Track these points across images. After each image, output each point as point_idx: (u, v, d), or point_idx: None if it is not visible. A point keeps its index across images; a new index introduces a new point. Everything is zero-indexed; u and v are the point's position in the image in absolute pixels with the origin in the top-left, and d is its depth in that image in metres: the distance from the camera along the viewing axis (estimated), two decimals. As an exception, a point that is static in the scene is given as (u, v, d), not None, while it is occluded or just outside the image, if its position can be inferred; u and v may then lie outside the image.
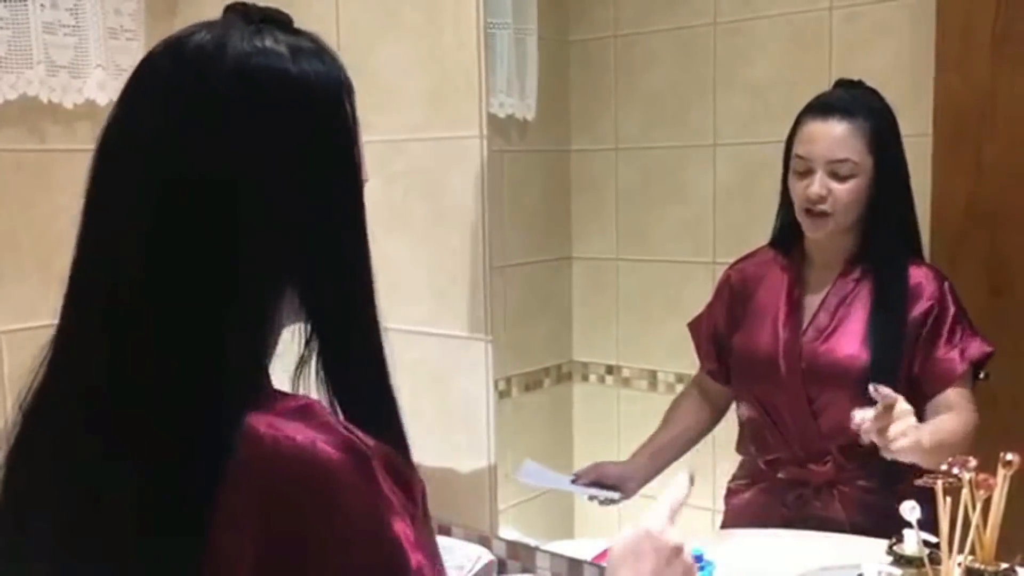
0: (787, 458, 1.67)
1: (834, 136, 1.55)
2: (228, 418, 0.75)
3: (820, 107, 1.57)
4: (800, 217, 1.60)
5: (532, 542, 1.78)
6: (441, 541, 1.74)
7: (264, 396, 0.80)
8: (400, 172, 1.92)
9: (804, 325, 1.64)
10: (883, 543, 1.39)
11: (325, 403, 0.83)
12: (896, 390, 1.47)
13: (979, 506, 1.20)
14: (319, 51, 0.86)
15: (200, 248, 0.78)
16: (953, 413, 1.53)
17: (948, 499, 1.20)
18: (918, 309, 1.54)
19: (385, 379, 0.88)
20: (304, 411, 0.79)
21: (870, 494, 1.57)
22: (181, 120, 0.79)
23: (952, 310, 1.53)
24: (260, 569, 0.74)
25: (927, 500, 1.26)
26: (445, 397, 1.89)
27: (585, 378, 2.04)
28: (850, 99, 1.56)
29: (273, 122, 0.80)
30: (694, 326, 1.81)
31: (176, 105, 0.79)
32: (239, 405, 0.77)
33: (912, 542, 1.28)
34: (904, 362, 1.56)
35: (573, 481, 1.88)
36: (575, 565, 1.70)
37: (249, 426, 0.76)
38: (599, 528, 1.89)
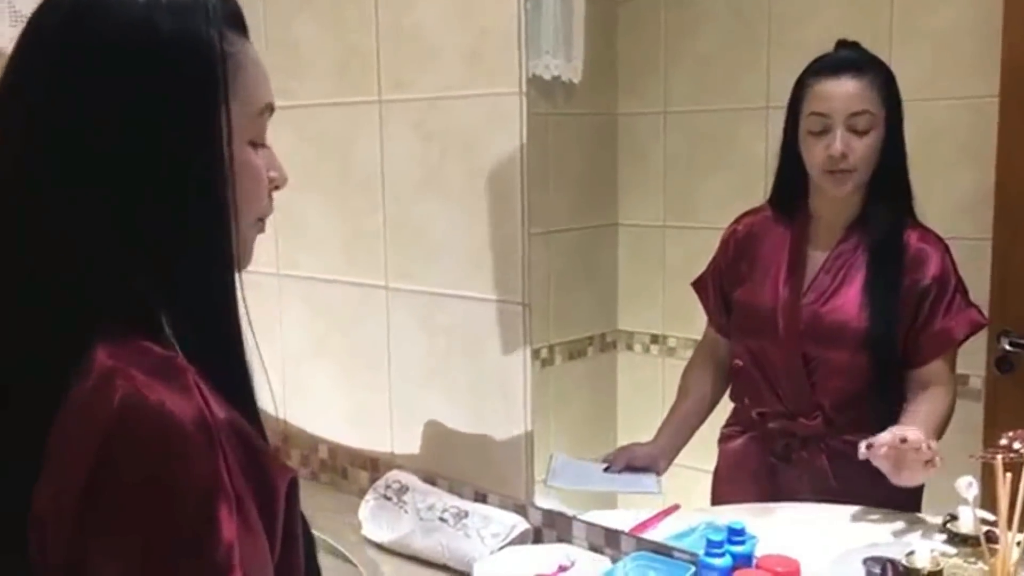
0: (778, 411, 1.71)
1: (851, 90, 1.58)
2: (74, 341, 0.76)
3: (831, 65, 1.60)
4: (821, 179, 1.62)
5: (569, 512, 1.75)
6: (477, 509, 1.76)
7: (121, 334, 0.78)
8: (437, 131, 1.88)
9: (805, 285, 1.66)
10: (934, 519, 1.36)
11: None
12: (895, 356, 1.54)
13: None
14: (189, 7, 0.82)
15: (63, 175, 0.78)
16: (936, 393, 1.56)
17: (1008, 475, 1.14)
18: (922, 278, 1.56)
19: (236, 350, 0.83)
20: (166, 366, 0.76)
21: (856, 448, 1.55)
22: (47, 65, 0.80)
23: (954, 281, 1.55)
24: (80, 518, 0.72)
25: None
26: (480, 363, 1.86)
27: (630, 347, 2.01)
28: (857, 57, 1.59)
29: (121, 71, 0.79)
30: (699, 284, 1.82)
31: (40, 50, 0.81)
32: (86, 330, 0.76)
33: (968, 519, 1.23)
34: (902, 328, 1.58)
35: (606, 470, 1.87)
36: (612, 535, 1.67)
37: (101, 361, 0.75)
38: (641, 499, 1.85)
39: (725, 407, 1.82)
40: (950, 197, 1.57)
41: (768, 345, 1.71)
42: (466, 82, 1.83)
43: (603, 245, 2.00)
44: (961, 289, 1.55)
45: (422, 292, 1.95)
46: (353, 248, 2.07)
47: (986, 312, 1.52)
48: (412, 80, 1.91)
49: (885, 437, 1.45)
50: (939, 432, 1.53)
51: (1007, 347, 1.49)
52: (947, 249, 1.55)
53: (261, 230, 0.92)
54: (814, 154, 1.60)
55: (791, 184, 1.67)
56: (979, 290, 1.52)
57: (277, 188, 0.92)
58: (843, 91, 1.59)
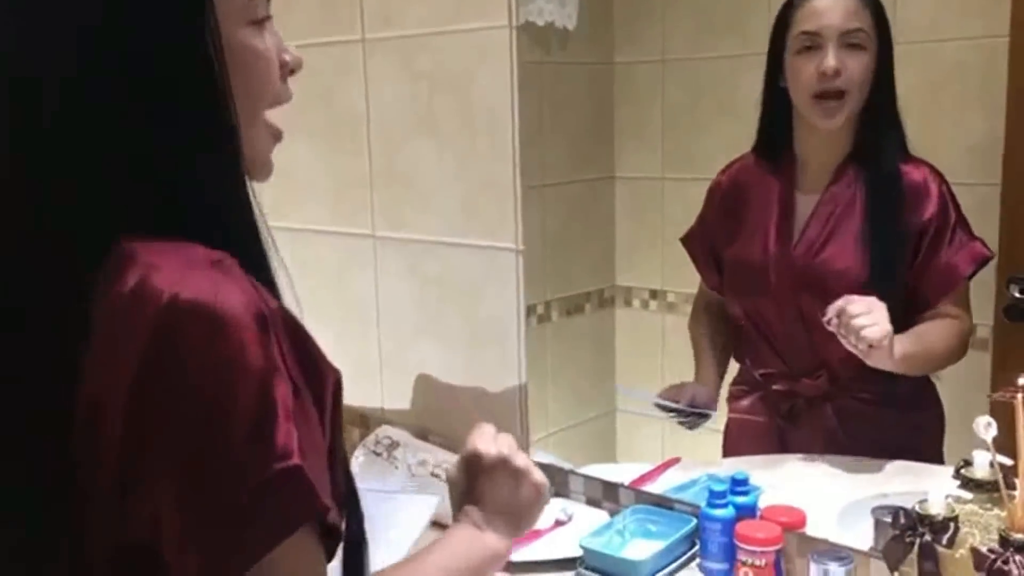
0: (780, 371, 1.65)
1: (845, 6, 1.51)
2: (97, 243, 0.74)
3: None
4: (809, 107, 1.54)
5: (567, 465, 1.71)
6: None
7: (149, 236, 0.76)
8: (425, 71, 1.82)
9: (795, 235, 1.59)
10: (946, 469, 1.31)
11: None
12: (895, 304, 1.45)
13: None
14: None
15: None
16: (939, 321, 1.50)
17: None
18: (921, 213, 1.50)
19: (257, 248, 0.81)
20: (209, 258, 0.74)
21: (865, 407, 1.53)
22: None
23: (954, 214, 1.48)
24: (132, 415, 0.70)
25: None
26: (473, 312, 1.81)
27: (628, 303, 1.96)
28: None
29: None
30: (688, 241, 1.76)
31: None
32: (109, 233, 0.75)
33: (984, 464, 1.19)
34: (903, 272, 1.52)
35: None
36: (610, 489, 1.62)
37: (136, 257, 0.74)
38: (641, 453, 1.82)
39: (733, 364, 1.77)
40: (958, 142, 1.51)
41: (763, 303, 1.65)
42: (453, 17, 1.76)
43: (600, 199, 1.95)
44: (962, 222, 1.48)
45: (411, 240, 1.90)
46: (339, 196, 2.01)
47: (995, 259, 1.46)
48: (397, 16, 1.85)
49: (832, 306, 1.43)
50: (940, 355, 1.49)
51: (1016, 294, 1.44)
52: (944, 181, 1.49)
53: (278, 138, 0.88)
54: (803, 77, 1.53)
55: (775, 124, 1.60)
56: (988, 237, 1.47)
57: (292, 72, 0.88)
58: (837, 7, 1.51)
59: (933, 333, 1.50)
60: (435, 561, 1.02)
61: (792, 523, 1.37)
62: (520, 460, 1.11)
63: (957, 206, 1.48)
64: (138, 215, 0.77)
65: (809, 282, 1.58)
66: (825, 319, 1.44)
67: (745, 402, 1.73)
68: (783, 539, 1.34)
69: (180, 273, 0.72)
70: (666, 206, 1.89)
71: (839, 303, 1.44)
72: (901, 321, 1.52)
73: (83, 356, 0.72)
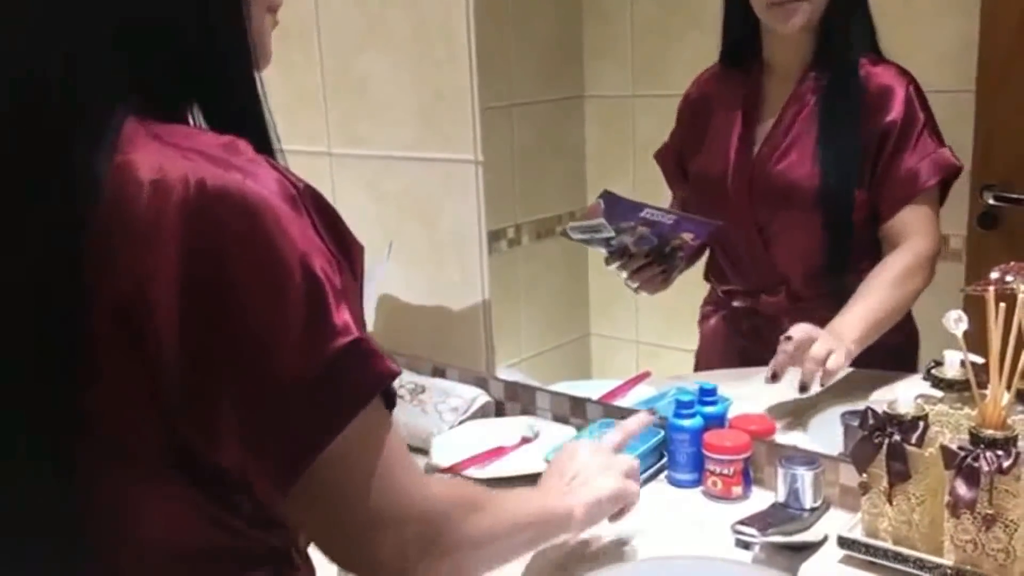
0: (741, 288, 1.62)
1: None
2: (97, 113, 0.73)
3: None
4: (765, 11, 1.48)
5: (533, 382, 1.68)
6: (435, 383, 1.68)
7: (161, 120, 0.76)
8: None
9: (758, 144, 1.54)
10: (913, 378, 1.29)
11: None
12: (853, 215, 1.43)
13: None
14: None
15: None
16: (894, 259, 1.44)
17: (1002, 305, 1.07)
18: (884, 118, 1.44)
19: (267, 137, 0.82)
20: (229, 147, 0.74)
21: (826, 325, 1.47)
22: None
23: (921, 117, 1.43)
24: (181, 306, 0.71)
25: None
26: (434, 229, 1.76)
27: (599, 225, 1.92)
28: None
29: None
30: (660, 155, 1.72)
31: None
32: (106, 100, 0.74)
33: (954, 363, 1.16)
34: (863, 180, 1.46)
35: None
36: (578, 404, 1.60)
37: (150, 142, 0.73)
38: (617, 372, 1.79)
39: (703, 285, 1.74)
40: (932, 48, 1.47)
41: (723, 215, 1.59)
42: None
43: (570, 118, 1.90)
44: (931, 128, 1.43)
45: (368, 156, 1.85)
46: (290, 112, 1.95)
47: (969, 166, 1.42)
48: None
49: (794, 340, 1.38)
50: (899, 307, 1.43)
51: (991, 201, 1.41)
52: (913, 84, 1.43)
53: (274, 23, 0.88)
54: None
55: (739, 31, 1.54)
56: (963, 145, 1.42)
57: None
58: None
59: (883, 290, 1.43)
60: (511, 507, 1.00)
61: (761, 431, 1.35)
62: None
63: (927, 110, 1.43)
64: (148, 92, 0.76)
65: (766, 193, 1.54)
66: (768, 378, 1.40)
67: (711, 322, 1.71)
68: (751, 447, 1.32)
69: (201, 158, 0.72)
70: (637, 125, 1.84)
71: (798, 336, 1.38)
72: (865, 239, 1.48)
73: (92, 224, 0.71)
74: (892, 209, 1.45)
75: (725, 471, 1.32)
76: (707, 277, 1.71)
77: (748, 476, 1.33)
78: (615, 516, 1.16)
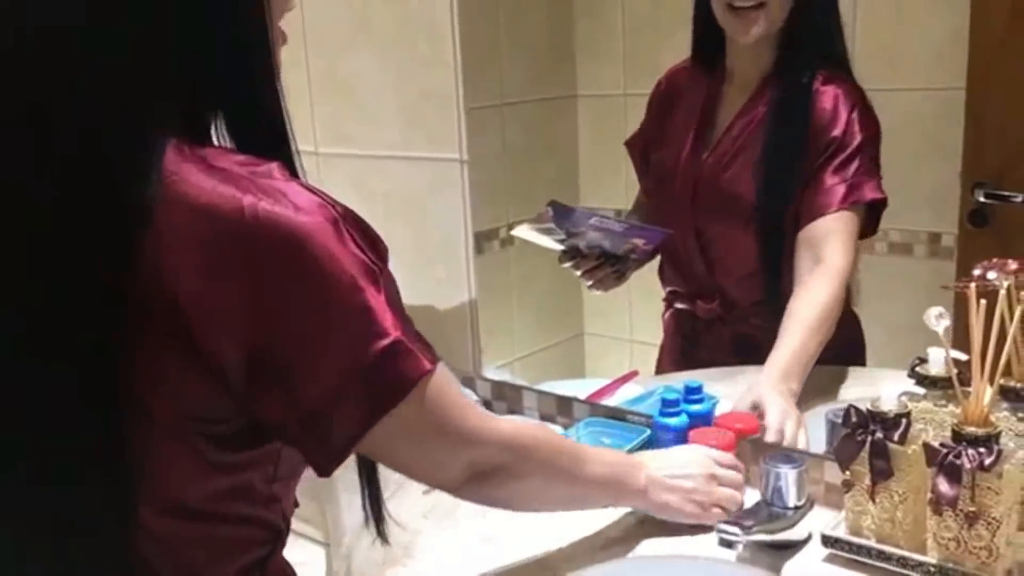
0: (681, 291, 1.63)
1: None
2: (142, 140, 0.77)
3: None
4: (725, 18, 1.46)
5: (520, 382, 1.67)
6: None
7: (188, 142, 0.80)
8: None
9: (708, 150, 1.53)
10: (899, 373, 1.28)
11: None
12: (784, 228, 1.42)
13: (1017, 315, 1.07)
14: None
15: None
16: (806, 291, 1.40)
17: (983, 302, 1.06)
18: (826, 135, 1.41)
19: (288, 150, 0.86)
20: (270, 174, 0.79)
21: (761, 332, 1.47)
22: None
23: (857, 140, 1.40)
24: (243, 326, 0.77)
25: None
26: (420, 229, 1.76)
27: (592, 224, 1.91)
28: None
29: None
30: (630, 144, 1.71)
31: None
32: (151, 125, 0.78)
33: (938, 360, 1.15)
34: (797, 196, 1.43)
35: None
36: (564, 403, 1.59)
37: (191, 167, 0.77)
38: (611, 371, 1.78)
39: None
40: (923, 45, 1.46)
41: (668, 215, 1.60)
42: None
43: (562, 118, 1.89)
44: (864, 153, 1.40)
45: (355, 156, 1.85)
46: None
47: (959, 164, 1.41)
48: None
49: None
50: (826, 337, 1.38)
51: (981, 199, 1.40)
52: (862, 104, 1.40)
53: (284, 39, 0.91)
54: None
55: (706, 35, 1.52)
56: (954, 142, 1.41)
57: None
58: None
59: (808, 332, 1.38)
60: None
61: (746, 430, 1.34)
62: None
63: (869, 134, 1.40)
64: (180, 117, 0.80)
65: (707, 199, 1.53)
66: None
67: (665, 317, 1.71)
68: (735, 445, 1.31)
69: (252, 186, 0.76)
70: (629, 123, 1.81)
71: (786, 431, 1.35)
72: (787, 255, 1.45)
73: (144, 251, 0.75)
74: (808, 219, 1.43)
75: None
76: (659, 275, 1.71)
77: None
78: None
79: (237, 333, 0.77)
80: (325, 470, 0.84)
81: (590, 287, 1.70)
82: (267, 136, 0.84)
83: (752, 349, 1.48)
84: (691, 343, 1.62)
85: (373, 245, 0.82)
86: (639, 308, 1.85)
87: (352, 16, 1.78)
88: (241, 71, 0.83)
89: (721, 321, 1.54)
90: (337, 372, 0.80)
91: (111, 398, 0.77)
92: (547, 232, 1.65)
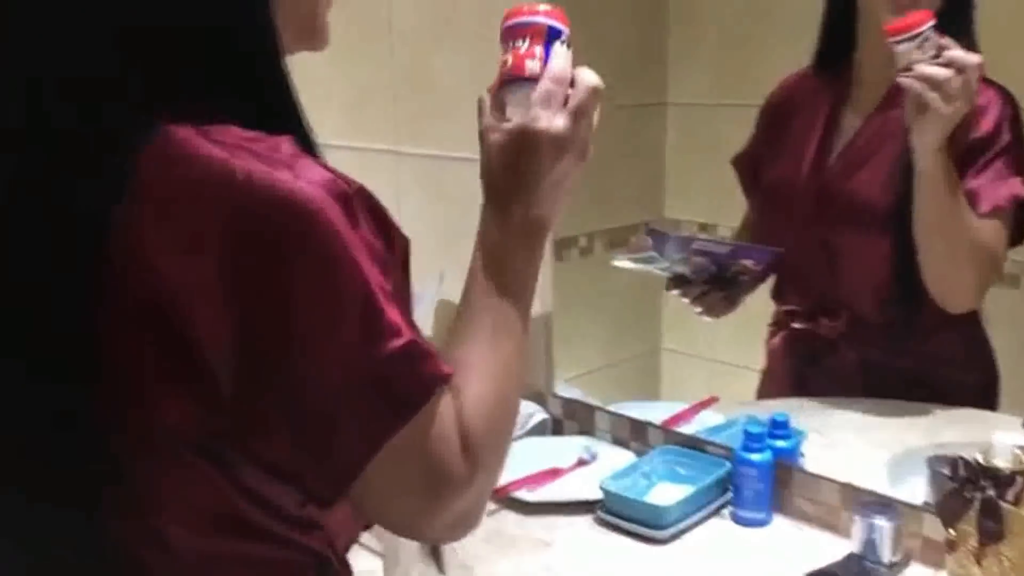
0: (801, 309, 1.55)
1: None
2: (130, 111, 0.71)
3: None
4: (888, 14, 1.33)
5: (593, 401, 1.60)
6: None
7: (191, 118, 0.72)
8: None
9: (833, 156, 1.46)
10: (1011, 419, 1.18)
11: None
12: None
13: None
14: None
15: None
16: None
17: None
18: (968, 136, 1.31)
19: (301, 127, 0.78)
20: (274, 146, 0.71)
21: (888, 356, 1.40)
22: None
23: (1004, 140, 1.31)
24: (227, 308, 0.69)
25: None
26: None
27: (676, 237, 1.85)
28: None
29: None
30: (737, 161, 1.63)
31: None
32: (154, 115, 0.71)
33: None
34: None
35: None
36: (639, 428, 1.52)
37: (190, 141, 0.70)
38: (685, 394, 1.71)
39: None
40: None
41: (787, 228, 1.52)
42: None
43: (650, 125, 1.84)
44: (1011, 155, 1.31)
45: (433, 156, 1.81)
46: (357, 108, 1.91)
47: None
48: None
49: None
50: (964, 239, 1.28)
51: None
52: (1009, 105, 1.31)
53: (328, 3, 0.86)
54: None
55: (838, 29, 1.44)
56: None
57: None
58: None
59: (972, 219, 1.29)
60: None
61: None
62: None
63: (1016, 136, 1.31)
64: (179, 94, 0.74)
65: (833, 209, 1.45)
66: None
67: (775, 342, 1.62)
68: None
69: (249, 155, 0.70)
70: (720, 134, 1.76)
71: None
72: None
73: (127, 221, 0.69)
74: None
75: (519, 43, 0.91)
76: (772, 295, 1.62)
77: (549, 51, 0.91)
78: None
79: (223, 315, 0.69)
80: (334, 490, 0.74)
81: (699, 314, 1.62)
82: (272, 113, 0.76)
83: (878, 379, 1.42)
84: (808, 365, 1.53)
85: (388, 236, 0.74)
86: (722, 324, 1.77)
87: (436, 14, 1.75)
88: (237, 44, 0.76)
89: (846, 343, 1.45)
90: (336, 369, 0.71)
91: (86, 413, 0.72)
92: (648, 261, 1.57)
